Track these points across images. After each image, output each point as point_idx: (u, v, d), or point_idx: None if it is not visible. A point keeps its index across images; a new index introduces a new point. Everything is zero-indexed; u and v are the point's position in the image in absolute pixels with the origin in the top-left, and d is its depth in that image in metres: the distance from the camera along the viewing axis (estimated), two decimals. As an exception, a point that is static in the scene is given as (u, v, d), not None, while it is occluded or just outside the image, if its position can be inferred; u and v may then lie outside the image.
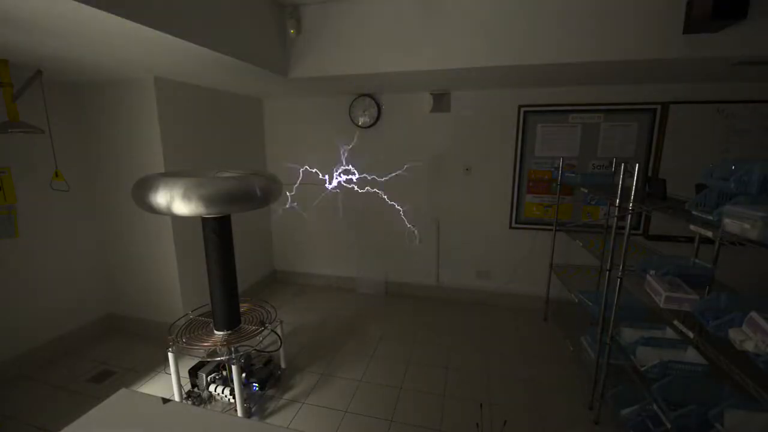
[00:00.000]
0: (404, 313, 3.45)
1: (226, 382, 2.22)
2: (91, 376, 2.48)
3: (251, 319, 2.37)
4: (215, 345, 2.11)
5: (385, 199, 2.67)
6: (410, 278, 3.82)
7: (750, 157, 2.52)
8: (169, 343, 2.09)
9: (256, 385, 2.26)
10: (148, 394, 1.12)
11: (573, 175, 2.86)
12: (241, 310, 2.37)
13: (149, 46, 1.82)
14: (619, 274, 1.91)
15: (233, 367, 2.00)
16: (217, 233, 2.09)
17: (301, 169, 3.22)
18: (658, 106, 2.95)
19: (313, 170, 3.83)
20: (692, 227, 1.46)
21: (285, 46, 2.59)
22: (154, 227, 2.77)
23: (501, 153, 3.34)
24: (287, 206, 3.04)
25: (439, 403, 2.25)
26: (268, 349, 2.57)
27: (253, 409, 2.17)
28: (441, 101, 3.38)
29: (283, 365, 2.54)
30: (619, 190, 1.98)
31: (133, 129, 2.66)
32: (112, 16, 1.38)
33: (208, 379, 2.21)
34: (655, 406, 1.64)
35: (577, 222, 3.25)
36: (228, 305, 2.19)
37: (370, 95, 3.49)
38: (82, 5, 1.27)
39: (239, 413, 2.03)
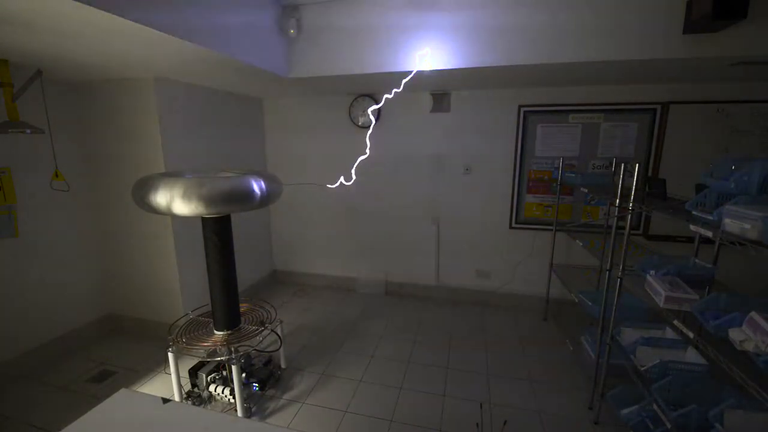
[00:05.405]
0: (404, 313, 3.45)
1: (226, 382, 2.22)
2: (91, 376, 2.48)
3: (251, 319, 2.37)
4: (215, 345, 2.11)
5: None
6: (410, 278, 3.82)
7: (750, 157, 2.52)
8: (169, 343, 2.09)
9: (256, 385, 2.26)
10: (148, 394, 1.12)
11: (573, 175, 2.87)
12: (241, 310, 2.37)
13: (149, 47, 1.82)
14: (619, 274, 1.91)
15: (233, 367, 2.00)
16: (217, 233, 2.09)
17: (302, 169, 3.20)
18: (658, 106, 2.95)
19: (313, 170, 3.84)
20: (692, 227, 1.46)
21: (285, 46, 2.59)
22: (154, 227, 2.77)
23: (501, 153, 3.34)
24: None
25: (439, 403, 2.25)
26: (268, 349, 2.57)
27: (253, 409, 2.17)
28: (441, 101, 3.38)
29: (283, 365, 2.54)
30: (619, 190, 1.98)
31: (133, 129, 2.66)
32: (113, 16, 1.38)
33: (208, 379, 2.21)
34: (655, 406, 1.64)
35: (577, 222, 3.25)
36: (228, 305, 2.19)
37: (370, 95, 3.49)
38: (83, 5, 1.27)
39: (239, 413, 2.03)
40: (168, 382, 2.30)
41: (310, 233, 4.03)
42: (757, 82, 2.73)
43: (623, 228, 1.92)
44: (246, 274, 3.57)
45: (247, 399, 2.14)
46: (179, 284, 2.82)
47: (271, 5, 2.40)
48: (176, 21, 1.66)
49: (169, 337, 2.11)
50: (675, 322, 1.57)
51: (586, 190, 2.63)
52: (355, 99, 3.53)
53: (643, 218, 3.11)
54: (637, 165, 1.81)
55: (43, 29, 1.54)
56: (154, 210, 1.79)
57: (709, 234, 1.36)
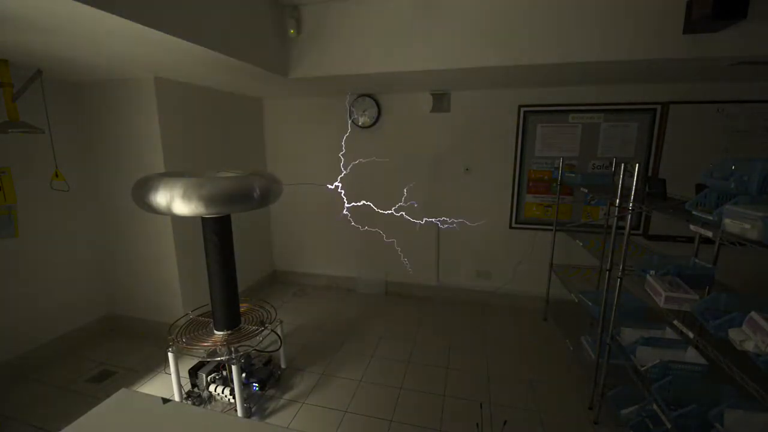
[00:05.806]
0: (404, 313, 3.45)
1: (226, 382, 2.22)
2: (91, 376, 2.48)
3: (251, 319, 2.37)
4: (215, 345, 2.11)
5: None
6: (410, 278, 3.82)
7: (750, 157, 2.53)
8: (169, 343, 2.09)
9: (256, 385, 2.26)
10: (148, 394, 1.12)
11: (573, 175, 2.86)
12: (241, 310, 2.37)
13: (149, 47, 1.82)
14: (619, 274, 1.91)
15: (233, 367, 2.00)
16: (217, 233, 2.09)
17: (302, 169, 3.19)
18: (658, 106, 2.95)
19: (313, 170, 3.85)
20: (692, 227, 1.46)
21: (285, 46, 2.59)
22: (154, 227, 2.77)
23: (501, 153, 3.34)
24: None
25: (439, 403, 2.25)
26: (268, 349, 2.57)
27: (253, 409, 2.17)
28: (441, 101, 3.38)
29: (283, 365, 2.54)
30: (619, 190, 1.98)
31: (133, 129, 2.66)
32: (113, 16, 1.38)
33: (208, 379, 2.21)
34: (655, 406, 1.64)
35: (577, 222, 3.25)
36: (228, 305, 2.19)
37: (370, 95, 3.49)
38: (82, 5, 1.27)
39: (239, 413, 2.03)
40: (168, 382, 2.30)
41: (310, 233, 4.03)
42: (757, 82, 2.73)
43: (623, 228, 1.92)
44: (246, 274, 3.57)
45: (247, 399, 2.14)
46: (179, 284, 2.82)
47: (271, 5, 2.40)
48: (176, 21, 1.66)
49: (169, 337, 2.11)
50: (675, 322, 1.57)
51: (586, 190, 2.63)
52: (355, 99, 3.53)
53: (643, 218, 3.11)
54: (637, 165, 1.81)
55: (43, 29, 1.54)
56: (154, 210, 1.79)
57: (709, 234, 1.36)
